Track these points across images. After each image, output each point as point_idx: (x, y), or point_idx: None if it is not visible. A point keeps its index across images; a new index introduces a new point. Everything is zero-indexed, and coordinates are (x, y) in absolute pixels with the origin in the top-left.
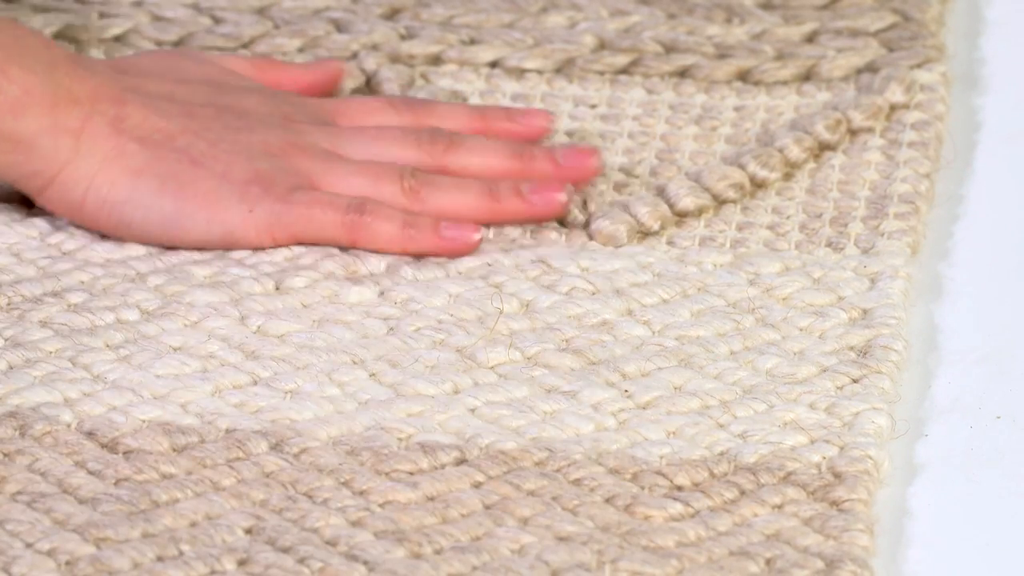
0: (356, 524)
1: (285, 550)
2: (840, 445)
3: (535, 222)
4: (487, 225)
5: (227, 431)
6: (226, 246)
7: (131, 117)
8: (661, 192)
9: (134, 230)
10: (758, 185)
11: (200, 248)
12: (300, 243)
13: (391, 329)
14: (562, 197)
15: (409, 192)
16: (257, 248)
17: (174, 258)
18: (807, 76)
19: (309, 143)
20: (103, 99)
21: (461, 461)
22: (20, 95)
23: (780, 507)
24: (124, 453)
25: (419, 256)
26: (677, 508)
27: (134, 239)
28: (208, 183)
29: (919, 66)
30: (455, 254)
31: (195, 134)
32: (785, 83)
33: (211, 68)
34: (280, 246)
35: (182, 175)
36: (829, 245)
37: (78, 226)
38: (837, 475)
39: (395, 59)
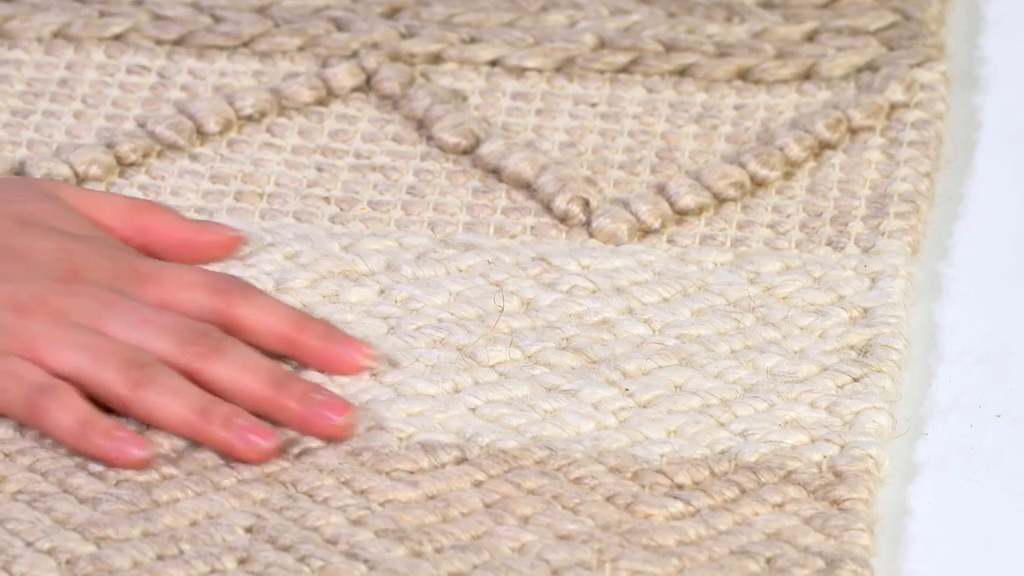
0: (356, 523)
1: (285, 549)
2: (841, 444)
3: (236, 457)
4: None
5: None
6: None
7: None
8: (662, 190)
9: None
10: (758, 184)
11: None
12: None
13: (391, 328)
14: (265, 444)
15: (128, 380)
16: None
17: None
18: (807, 75)
19: (65, 307)
20: None
21: (461, 460)
22: None
23: (781, 506)
24: None
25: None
26: (678, 507)
27: None
28: None
29: (919, 65)
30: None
31: None
32: (785, 82)
33: (49, 206)
34: None
35: None
36: (829, 244)
37: None
38: (838, 474)
39: (395, 58)
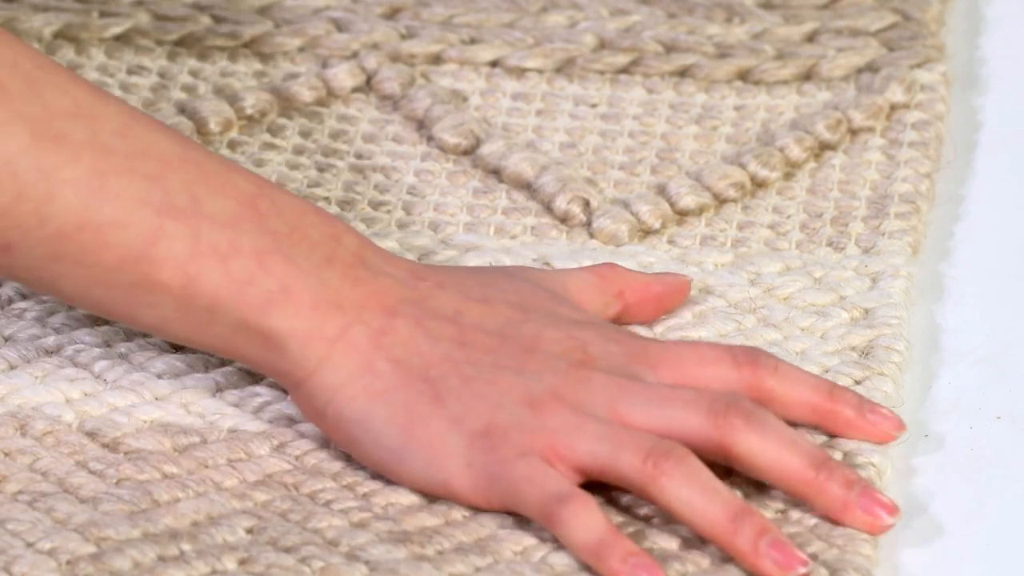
0: (358, 525)
1: (286, 550)
2: (844, 451)
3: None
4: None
5: (229, 432)
6: (443, 495)
7: (396, 332)
8: (662, 191)
9: (362, 453)
10: (759, 184)
11: (419, 490)
12: (513, 512)
13: None
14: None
15: (652, 468)
16: (472, 505)
17: None
18: (807, 76)
19: (580, 398)
20: (372, 308)
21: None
22: (276, 291)
23: (783, 513)
24: (125, 453)
25: None
26: None
27: (362, 461)
28: (438, 425)
29: (919, 66)
30: None
31: (454, 366)
32: (785, 82)
33: (530, 288)
34: (494, 510)
35: (417, 410)
36: (830, 245)
37: None
38: None
39: (395, 58)
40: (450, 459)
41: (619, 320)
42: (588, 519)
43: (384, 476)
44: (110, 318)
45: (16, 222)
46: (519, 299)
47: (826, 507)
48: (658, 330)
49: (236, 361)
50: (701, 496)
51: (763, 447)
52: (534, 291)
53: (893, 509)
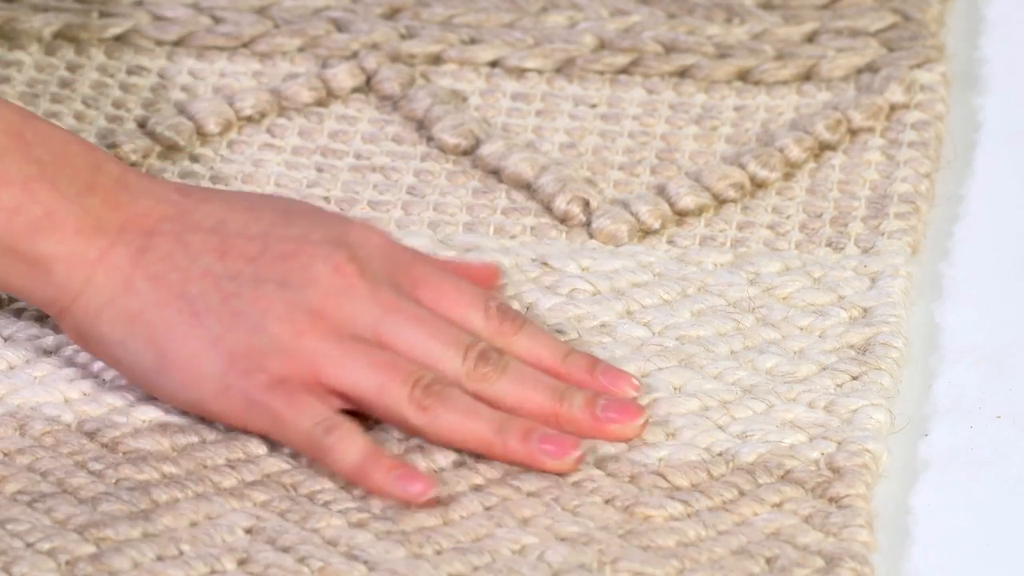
0: (356, 525)
1: (285, 550)
2: (838, 441)
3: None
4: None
5: (228, 432)
6: (201, 415)
7: (155, 250)
8: (662, 191)
9: (123, 372)
10: (758, 185)
11: (180, 408)
12: (270, 438)
13: None
14: (571, 455)
15: (417, 402)
16: (230, 426)
17: None
18: (807, 76)
19: (344, 317)
20: (132, 229)
21: (460, 464)
22: (41, 217)
23: (779, 505)
24: (124, 453)
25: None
26: (677, 508)
27: (127, 380)
28: (195, 346)
29: (919, 66)
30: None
31: (214, 282)
32: (785, 83)
33: (301, 203)
34: (251, 433)
35: (175, 330)
36: (829, 245)
37: None
38: (835, 470)
39: (395, 58)
40: (207, 380)
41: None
42: (351, 443)
43: (146, 391)
44: None
45: None
46: (286, 207)
47: (580, 432)
48: (656, 329)
49: (8, 293)
50: (464, 419)
51: (511, 388)
52: (303, 204)
53: (635, 412)
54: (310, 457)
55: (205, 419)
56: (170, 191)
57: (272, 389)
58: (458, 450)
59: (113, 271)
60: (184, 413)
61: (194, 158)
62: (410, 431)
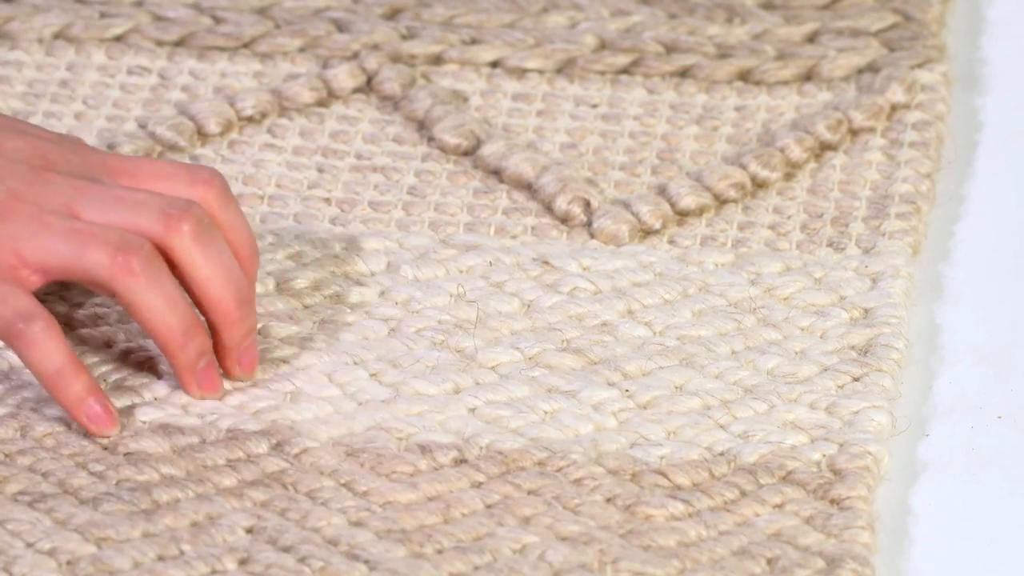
0: (357, 524)
1: (286, 549)
2: (840, 442)
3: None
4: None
5: (228, 432)
6: None
7: None
8: (662, 191)
9: None
10: (759, 185)
11: None
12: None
13: (392, 330)
14: (217, 392)
15: (122, 266)
16: None
17: None
18: (808, 76)
19: (40, 198)
20: None
21: (460, 461)
22: None
23: (781, 506)
24: (125, 454)
25: None
26: (678, 508)
27: None
28: None
29: (920, 66)
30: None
31: None
32: (786, 83)
33: (28, 123)
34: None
35: None
36: (830, 245)
37: None
38: (836, 472)
39: (396, 59)
40: None
41: None
42: (51, 345)
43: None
44: None
45: None
46: (4, 124)
47: (221, 352)
48: (657, 328)
49: None
50: (163, 303)
51: (202, 263)
52: (26, 122)
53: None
54: (8, 345)
55: (205, 419)
56: None
57: None
58: (142, 328)
59: None
60: (185, 414)
61: (195, 158)
62: (111, 294)
